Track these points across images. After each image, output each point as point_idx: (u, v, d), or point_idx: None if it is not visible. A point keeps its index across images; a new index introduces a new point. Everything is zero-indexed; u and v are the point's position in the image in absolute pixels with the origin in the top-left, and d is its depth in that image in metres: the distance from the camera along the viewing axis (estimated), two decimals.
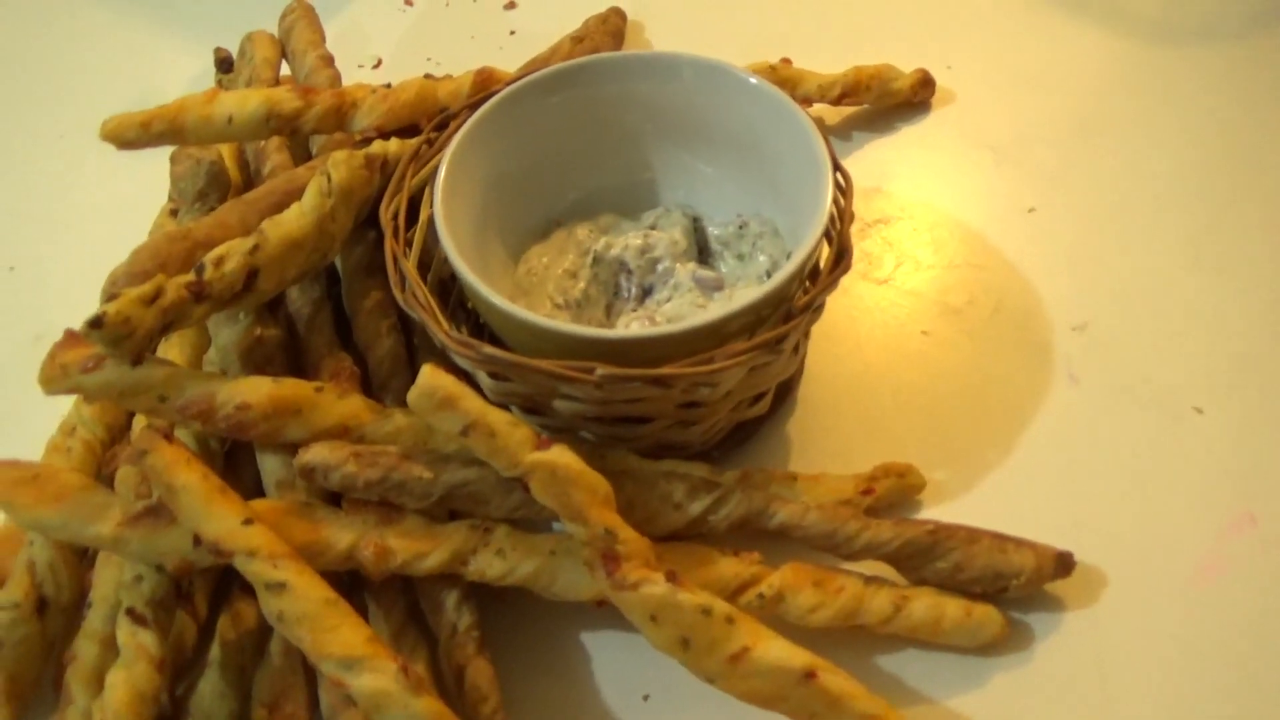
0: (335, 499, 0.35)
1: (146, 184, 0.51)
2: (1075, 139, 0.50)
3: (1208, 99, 0.51)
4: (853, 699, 0.29)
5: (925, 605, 0.33)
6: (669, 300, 0.40)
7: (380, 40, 0.60)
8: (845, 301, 0.45)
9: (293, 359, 0.39)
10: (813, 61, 0.51)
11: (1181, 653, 0.34)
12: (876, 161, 0.50)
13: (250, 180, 0.45)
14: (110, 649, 0.33)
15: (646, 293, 0.41)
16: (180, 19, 0.63)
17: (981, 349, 0.43)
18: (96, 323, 0.30)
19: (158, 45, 0.62)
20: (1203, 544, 0.36)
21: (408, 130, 0.42)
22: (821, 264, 0.37)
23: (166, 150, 0.46)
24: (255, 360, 0.37)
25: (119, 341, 0.31)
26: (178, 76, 0.59)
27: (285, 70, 0.50)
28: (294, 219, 0.36)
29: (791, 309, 0.35)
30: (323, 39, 0.49)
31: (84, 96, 0.59)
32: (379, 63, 0.59)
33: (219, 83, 0.51)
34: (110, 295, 0.32)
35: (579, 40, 0.54)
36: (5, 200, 0.54)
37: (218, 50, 0.52)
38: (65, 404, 0.42)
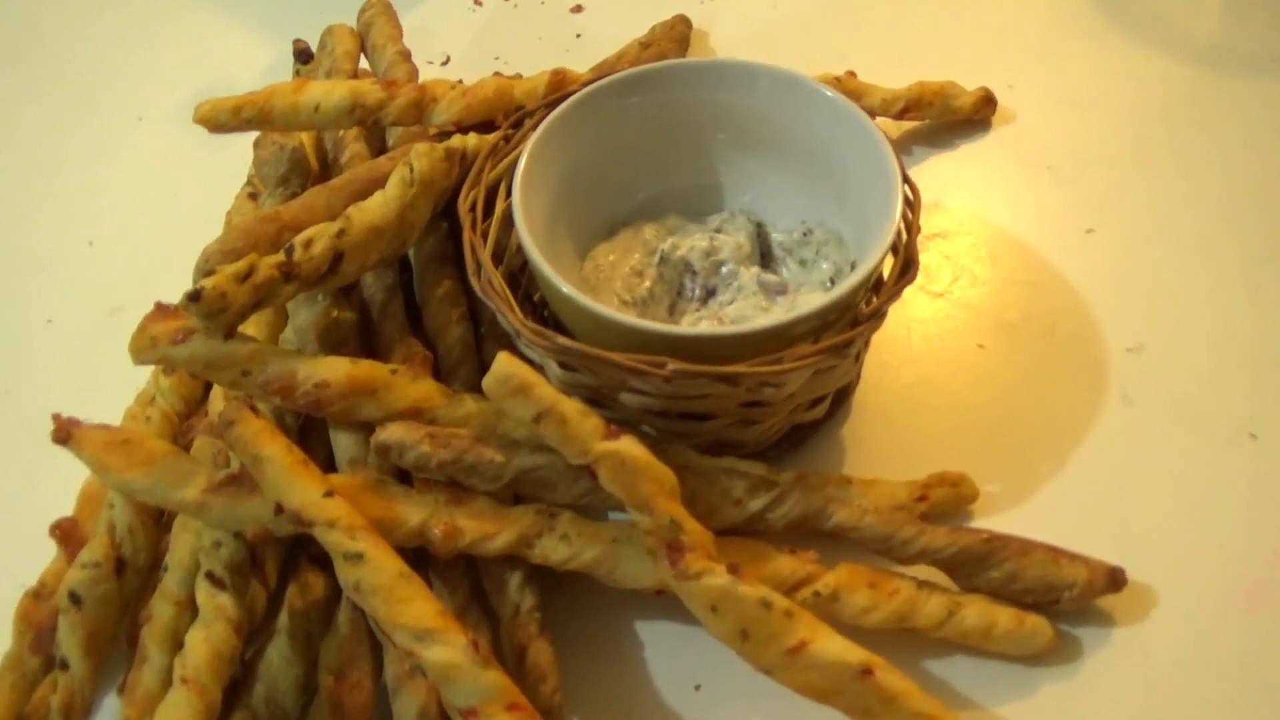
0: (404, 478, 0.36)
1: (218, 166, 0.53)
2: (1133, 162, 0.51)
3: (1266, 125, 0.51)
4: (908, 697, 0.30)
5: (977, 612, 0.34)
6: (732, 302, 0.41)
7: (450, 38, 0.61)
8: (902, 312, 0.45)
9: (365, 342, 0.40)
10: (875, 74, 0.52)
11: (1229, 676, 0.34)
12: (936, 176, 0.51)
13: (328, 167, 0.46)
14: (184, 610, 0.34)
15: (710, 294, 0.42)
16: (255, 10, 0.65)
17: (1036, 365, 0.43)
18: (195, 296, 0.32)
19: (232, 35, 0.63)
20: (1254, 568, 0.37)
21: (483, 126, 0.43)
22: (885, 273, 0.38)
23: (236, 135, 0.47)
24: (331, 341, 0.39)
25: (214, 315, 0.32)
26: (251, 66, 0.61)
27: (363, 64, 0.52)
28: (378, 206, 0.37)
29: (857, 315, 0.36)
30: (400, 35, 0.51)
31: (162, 81, 0.61)
32: (448, 60, 0.60)
33: (297, 73, 0.53)
34: (206, 271, 0.34)
35: (646, 46, 0.55)
36: (86, 179, 0.56)
37: (297, 42, 0.53)
38: (140, 373, 0.43)
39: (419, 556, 0.35)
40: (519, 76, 0.53)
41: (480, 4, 0.64)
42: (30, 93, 0.61)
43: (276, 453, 0.32)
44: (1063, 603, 0.35)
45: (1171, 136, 0.52)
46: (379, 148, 0.47)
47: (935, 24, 0.59)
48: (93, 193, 0.55)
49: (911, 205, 0.38)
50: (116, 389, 0.44)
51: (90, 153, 0.57)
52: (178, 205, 0.54)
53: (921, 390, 0.43)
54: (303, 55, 0.53)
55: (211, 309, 0.32)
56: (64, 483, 0.40)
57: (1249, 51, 0.55)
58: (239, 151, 0.51)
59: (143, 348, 0.35)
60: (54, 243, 0.53)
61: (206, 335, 0.33)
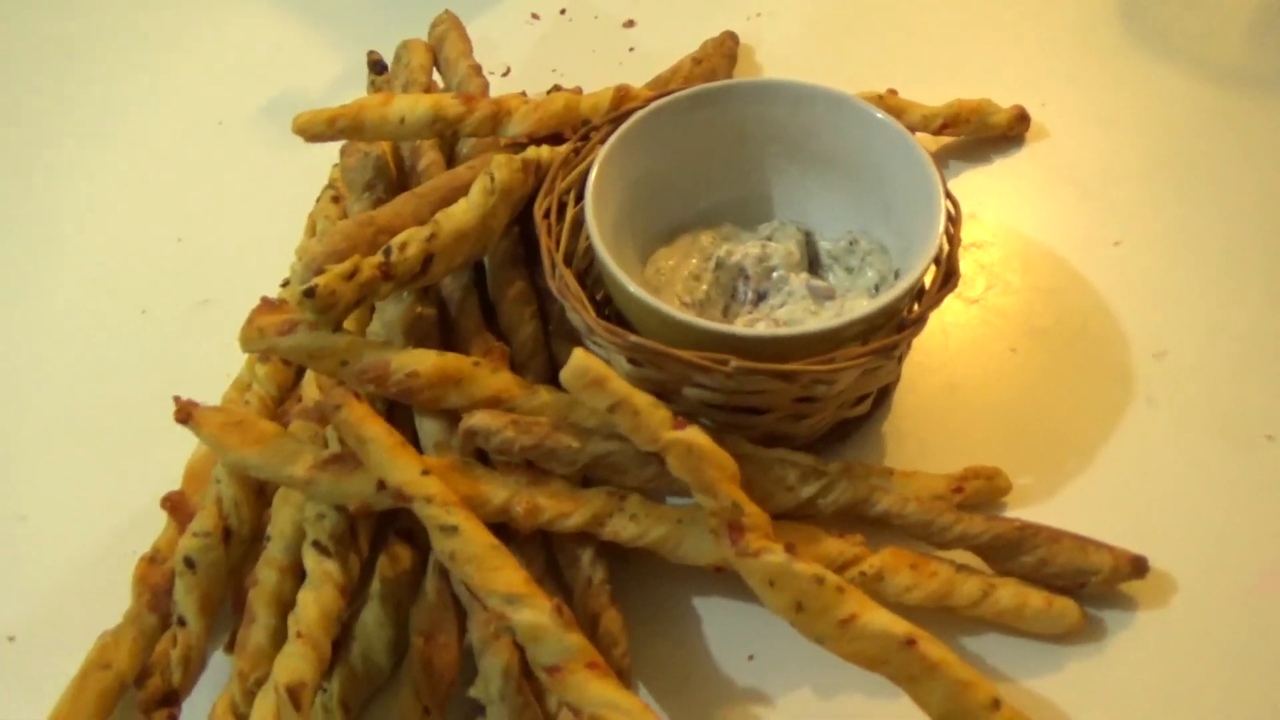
0: (484, 461, 0.39)
1: (294, 169, 0.56)
2: (1160, 177, 0.53)
3: None
4: (949, 666, 0.33)
5: (1010, 594, 0.37)
6: (783, 306, 0.44)
7: (509, 50, 0.65)
8: (939, 318, 0.48)
9: (444, 336, 0.44)
10: (914, 91, 0.55)
11: (1243, 657, 0.37)
12: (971, 189, 0.54)
13: (405, 173, 0.49)
14: (288, 576, 0.38)
15: (761, 297, 0.45)
16: (329, 21, 0.69)
17: (1065, 369, 0.46)
18: (310, 293, 0.35)
19: (307, 44, 0.67)
20: (1266, 559, 0.39)
21: (552, 139, 0.47)
22: (927, 283, 0.41)
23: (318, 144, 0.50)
24: (416, 335, 0.42)
25: (325, 310, 0.36)
26: (323, 75, 0.65)
27: (435, 76, 0.55)
28: (463, 212, 0.40)
29: (903, 320, 0.39)
30: (470, 49, 0.54)
31: (240, 87, 0.65)
32: (508, 71, 0.64)
33: (371, 83, 0.56)
34: (315, 270, 0.37)
35: (698, 61, 0.58)
36: (173, 178, 0.60)
37: (371, 53, 0.57)
38: (227, 358, 0.47)
39: (497, 533, 0.39)
40: (579, 89, 0.56)
41: (537, 17, 0.67)
42: (119, 99, 0.65)
43: (379, 434, 0.35)
44: (1089, 587, 0.38)
45: (1196, 154, 0.54)
46: (450, 155, 0.51)
47: (972, 44, 0.61)
48: (179, 192, 0.59)
49: (953, 219, 0.41)
50: (207, 374, 0.48)
51: (176, 155, 0.61)
52: (257, 205, 0.57)
53: (957, 390, 0.46)
54: (377, 66, 0.56)
55: (323, 304, 0.35)
56: (164, 461, 0.44)
57: (1272, 73, 0.58)
58: (313, 157, 0.54)
59: (252, 338, 0.38)
60: (145, 238, 0.56)
61: (317, 328, 0.37)
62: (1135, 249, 0.50)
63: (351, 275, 0.36)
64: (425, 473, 0.35)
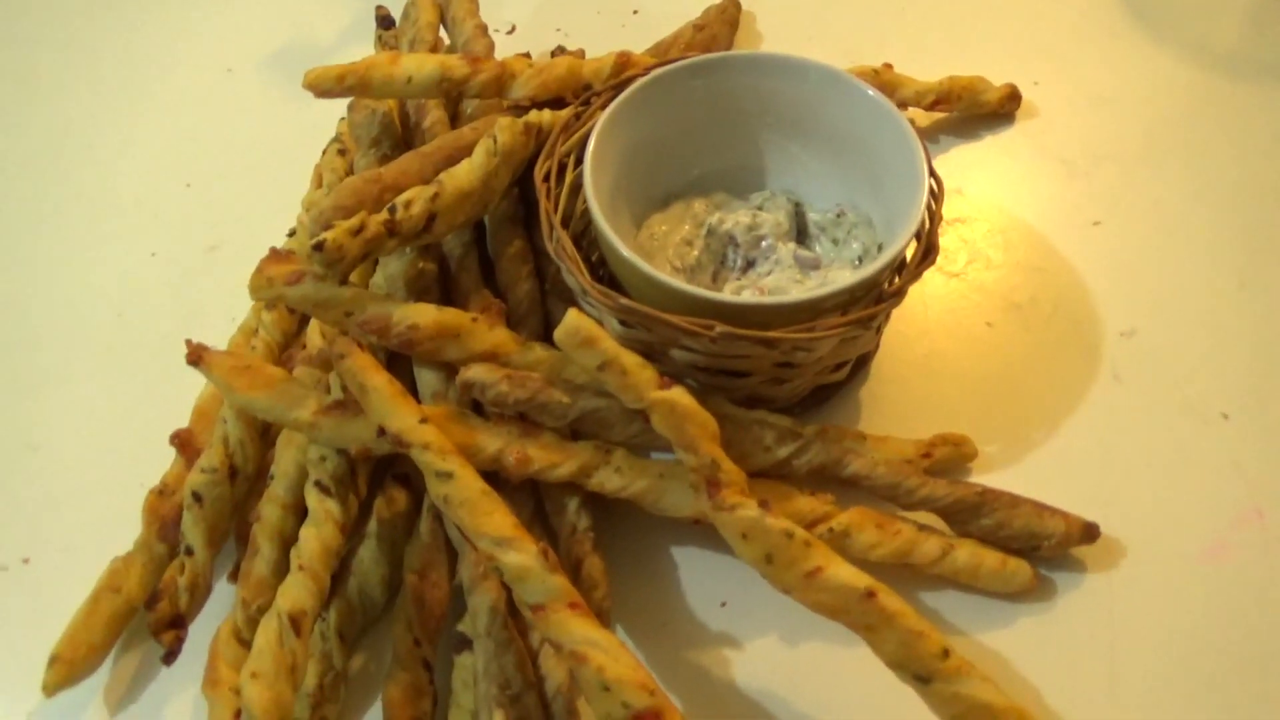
0: (479, 411, 0.42)
1: (301, 118, 0.58)
2: (1143, 160, 0.55)
3: (1270, 135, 0.55)
4: (904, 616, 0.35)
5: (968, 553, 0.39)
6: (770, 274, 0.46)
7: (516, 8, 0.66)
8: (921, 290, 0.50)
9: (444, 291, 0.46)
10: (910, 65, 0.56)
11: (1184, 619, 0.39)
12: (960, 165, 0.55)
13: (410, 130, 0.51)
14: (289, 512, 0.40)
15: (749, 265, 0.47)
16: None
17: (1038, 343, 0.48)
18: (319, 247, 0.37)
19: None
20: (1214, 531, 0.42)
21: (554, 102, 0.48)
22: (908, 256, 0.43)
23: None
24: (417, 289, 0.44)
25: (333, 264, 0.37)
26: (332, 25, 0.66)
27: (441, 33, 0.56)
28: (466, 173, 0.42)
29: (882, 293, 0.41)
30: (477, 8, 0.55)
31: (250, 36, 0.66)
32: (513, 29, 0.64)
33: (378, 38, 0.57)
34: (323, 225, 0.39)
35: (700, 28, 0.59)
36: (183, 125, 0.61)
37: (379, 8, 0.58)
38: (234, 301, 0.49)
39: (489, 480, 0.41)
40: (581, 52, 0.57)
41: None
42: (129, 44, 0.66)
43: (380, 383, 0.37)
44: (1042, 550, 0.40)
45: (1183, 138, 0.55)
46: (454, 114, 0.52)
47: (969, 21, 0.62)
48: (188, 138, 0.60)
49: (935, 197, 0.43)
50: (214, 317, 0.50)
51: (185, 101, 0.62)
52: (265, 153, 0.59)
53: (933, 360, 0.48)
54: (384, 22, 0.57)
55: (331, 258, 0.37)
56: (173, 399, 0.46)
57: (1268, 61, 0.59)
58: (321, 107, 0.55)
59: (260, 286, 0.40)
60: (155, 183, 0.58)
61: (325, 280, 0.39)
62: (1114, 230, 0.52)
63: (358, 231, 0.38)
64: (423, 421, 0.37)
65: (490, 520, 0.35)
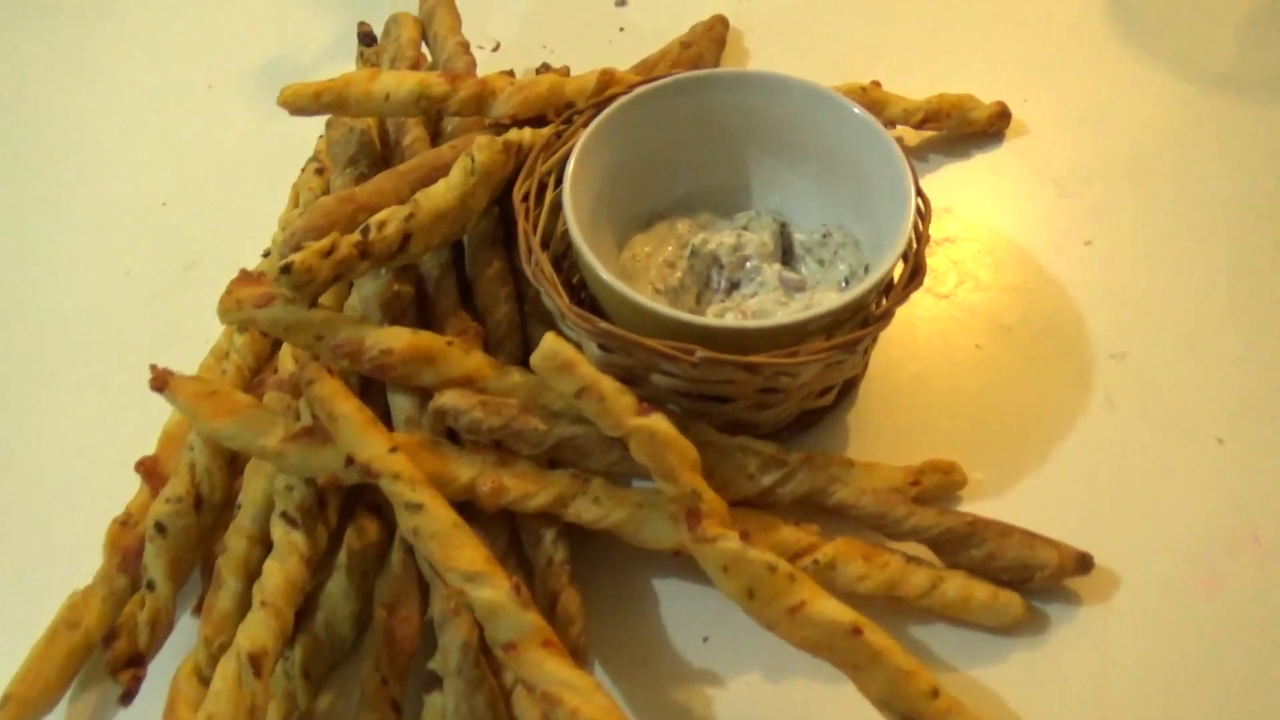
0: (454, 438, 0.40)
1: (282, 136, 0.57)
2: (1134, 180, 0.54)
3: (1263, 152, 0.54)
4: (891, 654, 0.34)
5: (958, 586, 0.38)
6: (754, 296, 0.45)
7: (501, 25, 0.65)
8: (909, 312, 0.49)
9: (420, 314, 0.45)
10: (898, 83, 0.55)
11: (1181, 652, 0.38)
12: (949, 184, 0.54)
13: (390, 149, 0.50)
14: (256, 544, 0.39)
15: (734, 286, 0.46)
16: None
17: (1028, 366, 0.47)
18: (286, 269, 0.36)
19: (299, 10, 0.67)
20: (1210, 558, 0.40)
21: (536, 120, 0.47)
22: (895, 278, 0.42)
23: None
24: (392, 312, 0.43)
25: (301, 286, 0.36)
26: (314, 42, 0.65)
27: (423, 50, 0.55)
28: (442, 192, 0.41)
29: (868, 316, 0.40)
30: (459, 25, 0.54)
31: (231, 53, 0.65)
32: (498, 46, 0.64)
33: (360, 54, 0.56)
34: (293, 246, 0.38)
35: (686, 45, 0.58)
36: (160, 142, 0.60)
37: (361, 25, 0.57)
38: (210, 321, 0.47)
39: (463, 510, 0.40)
40: (566, 69, 0.57)
41: None
42: (108, 59, 0.65)
43: (349, 411, 0.36)
44: (1035, 581, 0.39)
45: (1176, 157, 0.54)
46: (434, 131, 0.51)
47: (958, 38, 0.62)
48: (166, 155, 0.59)
49: (923, 216, 0.42)
50: (188, 338, 0.49)
51: (164, 118, 0.61)
52: (244, 171, 0.58)
53: (922, 384, 0.47)
54: (366, 38, 0.56)
55: (300, 281, 0.36)
56: (143, 423, 0.44)
57: (1261, 77, 0.58)
58: (301, 124, 0.54)
59: (230, 309, 0.39)
60: (132, 200, 0.57)
61: (293, 304, 0.37)
62: (1105, 250, 0.51)
63: (329, 252, 0.37)
64: (393, 450, 0.36)
65: (461, 554, 0.34)
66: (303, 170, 0.52)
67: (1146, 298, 0.49)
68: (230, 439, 0.38)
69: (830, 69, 0.59)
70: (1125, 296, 0.49)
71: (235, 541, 0.39)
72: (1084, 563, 0.39)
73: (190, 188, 0.57)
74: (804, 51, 0.62)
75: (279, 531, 0.37)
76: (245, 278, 0.40)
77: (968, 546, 0.39)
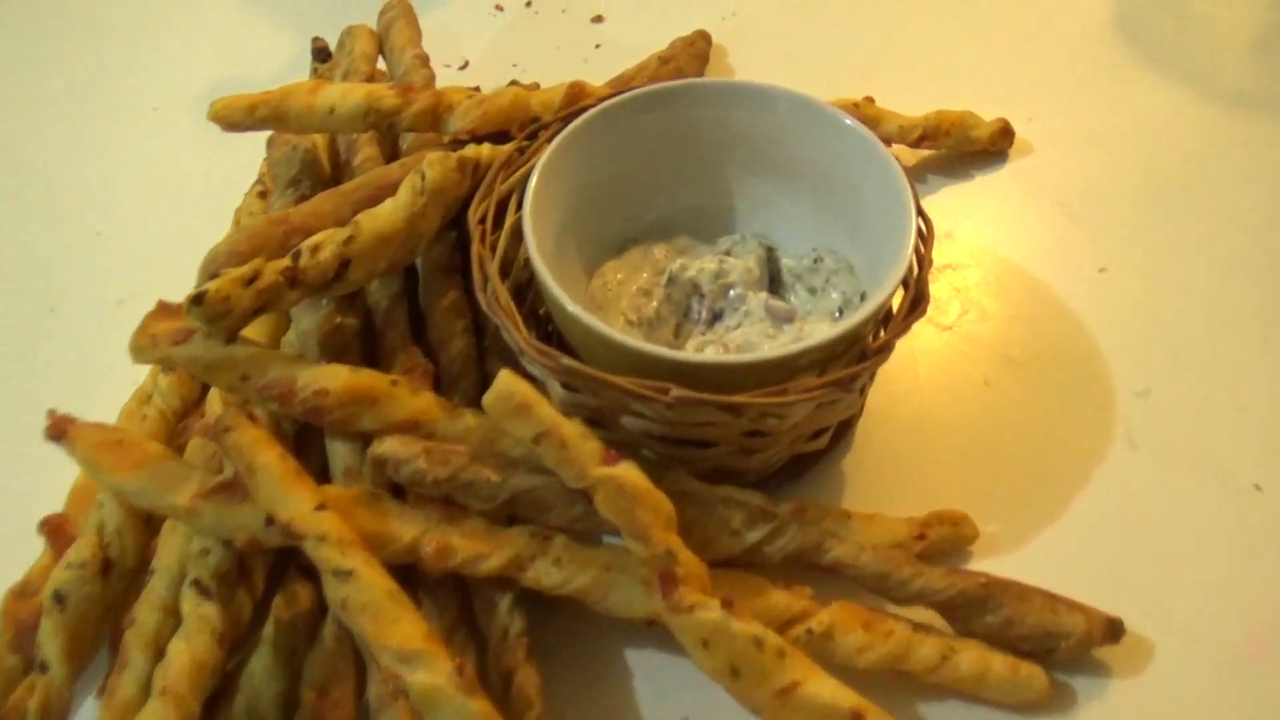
0: (398, 491, 0.36)
1: (231, 160, 0.53)
2: (1150, 202, 0.50)
3: None
4: None
5: (972, 658, 0.34)
6: (738, 327, 0.40)
7: (469, 43, 0.61)
8: (909, 345, 0.45)
9: (367, 349, 0.40)
10: (894, 100, 0.52)
11: None
12: (949, 207, 0.51)
13: (340, 169, 0.46)
14: (170, 616, 0.34)
15: (716, 317, 0.41)
16: (275, 5, 0.65)
17: (1042, 404, 0.43)
18: (198, 299, 0.31)
19: (252, 29, 0.63)
20: (1252, 625, 0.36)
21: (498, 136, 0.43)
22: (894, 307, 0.38)
23: (255, 132, 0.47)
24: (333, 347, 0.38)
25: (216, 319, 0.32)
26: (270, 61, 0.61)
27: (381, 65, 0.51)
28: (387, 214, 0.36)
29: (865, 349, 0.36)
30: (419, 38, 0.51)
31: (178, 73, 0.61)
32: (466, 64, 0.60)
33: (314, 71, 0.52)
34: (211, 274, 0.33)
35: (665, 61, 0.54)
36: (96, 167, 0.56)
37: (315, 40, 0.53)
38: (142, 367, 0.43)
39: (410, 574, 0.35)
40: (536, 85, 0.53)
41: (501, 9, 0.64)
42: (47, 78, 0.61)
43: (270, 462, 0.31)
44: (1059, 652, 0.34)
45: (1190, 177, 0.51)
46: (392, 151, 0.47)
47: (957, 52, 0.58)
48: (103, 182, 0.55)
49: (925, 239, 0.38)
50: (118, 381, 0.44)
51: (104, 141, 0.57)
52: (188, 198, 0.54)
53: (925, 424, 0.42)
54: (321, 54, 0.52)
55: (214, 313, 0.32)
56: (58, 477, 0.40)
57: (1274, 100, 0.55)
58: (253, 146, 0.51)
59: (143, 347, 0.35)
60: (61, 230, 0.53)
61: (208, 339, 0.33)
62: (1121, 276, 0.47)
63: (251, 280, 0.32)
64: (320, 507, 0.31)
65: (396, 629, 0.29)
66: (246, 194, 0.48)
67: (1169, 329, 0.45)
68: (136, 495, 0.33)
69: (821, 85, 0.55)
70: (1146, 328, 0.45)
71: (145, 613, 0.34)
72: (1114, 630, 0.34)
73: (127, 217, 0.53)
74: (792, 68, 0.58)
75: (189, 603, 0.32)
76: (163, 310, 0.35)
77: (983, 612, 0.34)
